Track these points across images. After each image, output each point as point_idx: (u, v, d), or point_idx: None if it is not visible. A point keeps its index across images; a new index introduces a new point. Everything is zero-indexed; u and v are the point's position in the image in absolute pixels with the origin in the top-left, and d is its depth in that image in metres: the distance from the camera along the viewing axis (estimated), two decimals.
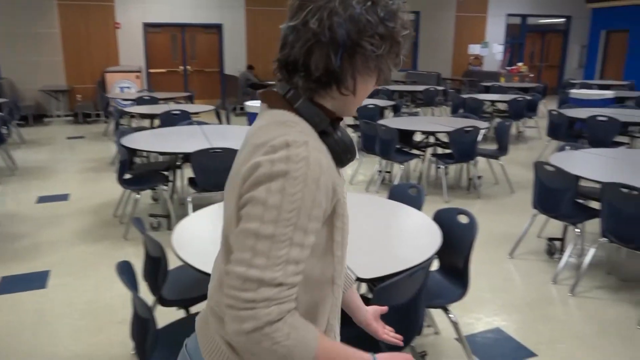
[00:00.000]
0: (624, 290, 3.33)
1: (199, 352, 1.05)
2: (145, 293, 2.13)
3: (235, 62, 12.12)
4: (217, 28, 11.93)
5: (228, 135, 4.64)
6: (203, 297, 2.25)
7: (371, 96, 9.98)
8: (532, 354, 2.64)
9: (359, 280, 1.73)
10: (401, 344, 1.29)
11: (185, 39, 11.93)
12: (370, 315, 1.32)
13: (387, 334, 1.31)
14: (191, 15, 11.58)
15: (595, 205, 3.47)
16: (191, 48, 12.07)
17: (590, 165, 3.62)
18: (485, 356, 2.62)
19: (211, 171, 3.81)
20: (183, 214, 3.36)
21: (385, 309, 1.35)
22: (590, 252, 3.31)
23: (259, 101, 1.04)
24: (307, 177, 0.87)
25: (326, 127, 0.97)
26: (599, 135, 5.68)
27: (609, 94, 8.14)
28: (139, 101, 7.55)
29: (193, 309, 2.34)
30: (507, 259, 3.82)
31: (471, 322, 2.95)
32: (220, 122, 7.44)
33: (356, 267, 1.80)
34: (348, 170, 6.47)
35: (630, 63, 14.60)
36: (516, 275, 3.56)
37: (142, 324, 1.76)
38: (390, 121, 5.77)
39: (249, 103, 6.31)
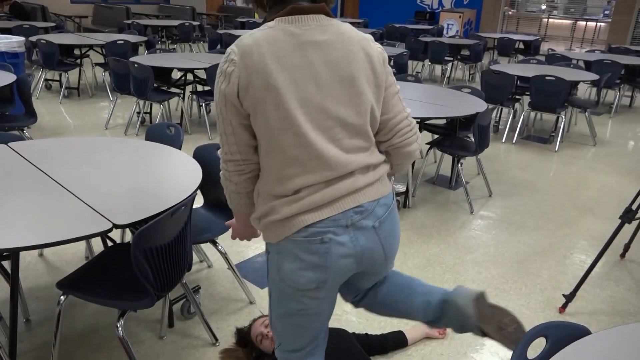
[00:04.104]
0: None
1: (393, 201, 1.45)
2: None
3: None
4: None
5: None
6: None
7: (120, 31, 9.17)
8: None
9: (116, 227, 1.65)
10: None
11: None
12: None
13: None
14: None
15: None
16: None
17: None
18: (255, 277, 2.83)
19: None
20: None
21: None
22: None
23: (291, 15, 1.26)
24: None
25: None
26: None
27: None
28: None
29: None
30: None
31: (241, 250, 3.12)
32: None
33: (116, 215, 1.71)
34: (103, 114, 5.94)
35: (362, 3, 16.42)
36: None
37: None
38: (144, 58, 5.43)
39: None
